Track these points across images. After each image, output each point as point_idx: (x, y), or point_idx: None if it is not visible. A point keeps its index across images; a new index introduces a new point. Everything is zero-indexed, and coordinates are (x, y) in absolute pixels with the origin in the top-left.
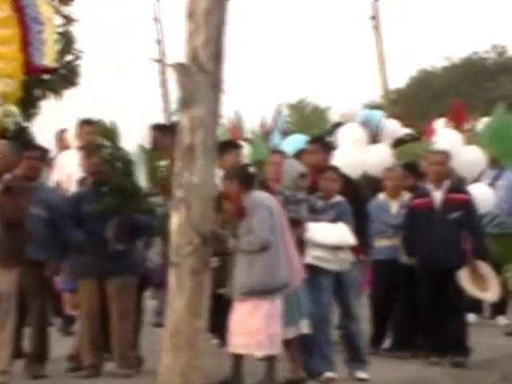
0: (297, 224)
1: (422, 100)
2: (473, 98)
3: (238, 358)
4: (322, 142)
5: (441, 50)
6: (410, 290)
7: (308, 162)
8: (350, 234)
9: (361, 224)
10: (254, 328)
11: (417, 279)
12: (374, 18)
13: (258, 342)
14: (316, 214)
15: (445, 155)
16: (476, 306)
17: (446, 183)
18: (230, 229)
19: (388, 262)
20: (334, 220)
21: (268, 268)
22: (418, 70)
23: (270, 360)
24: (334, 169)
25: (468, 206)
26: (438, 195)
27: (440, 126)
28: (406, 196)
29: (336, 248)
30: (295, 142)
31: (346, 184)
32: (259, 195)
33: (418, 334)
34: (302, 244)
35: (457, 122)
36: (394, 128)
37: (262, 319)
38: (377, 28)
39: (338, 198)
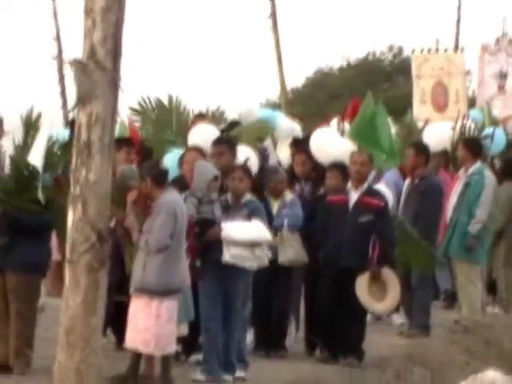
0: (212, 224)
1: (319, 100)
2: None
3: (135, 354)
4: (228, 142)
5: (338, 51)
6: (288, 291)
7: (216, 164)
8: (266, 230)
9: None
10: (142, 325)
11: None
12: (272, 16)
13: (143, 340)
14: (229, 213)
15: (367, 156)
16: None
17: (365, 185)
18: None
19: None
20: (248, 217)
21: (161, 270)
22: (315, 70)
23: (163, 359)
24: (241, 168)
25: (381, 211)
26: (354, 196)
27: (334, 124)
28: (289, 196)
29: (252, 245)
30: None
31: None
32: (170, 197)
33: (313, 333)
34: (219, 244)
35: (352, 119)
36: (292, 127)
37: (151, 318)
38: (275, 27)
39: (249, 197)
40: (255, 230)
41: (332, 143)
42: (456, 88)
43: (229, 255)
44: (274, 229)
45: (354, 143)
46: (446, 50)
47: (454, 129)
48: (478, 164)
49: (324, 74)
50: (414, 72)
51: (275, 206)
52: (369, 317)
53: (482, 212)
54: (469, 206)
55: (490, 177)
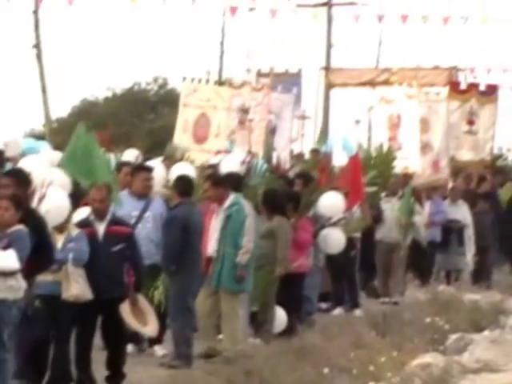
0: None
1: None
2: (136, 128)
3: None
4: (18, 174)
5: (104, 82)
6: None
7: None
8: (14, 259)
9: None
10: None
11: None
12: (36, 46)
13: None
14: None
15: (105, 190)
16: (134, 336)
17: (109, 215)
18: None
19: (49, 297)
20: (6, 247)
21: None
22: (80, 99)
23: None
24: (7, 197)
25: (129, 238)
26: (101, 227)
27: None
28: (74, 230)
29: (4, 275)
30: None
31: None
32: None
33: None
34: None
35: None
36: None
37: None
38: (39, 57)
39: (17, 227)
40: (2, 259)
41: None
42: (219, 122)
43: None
44: (59, 263)
45: (67, 172)
46: (215, 83)
47: (243, 162)
48: (232, 196)
49: (90, 104)
50: (181, 100)
51: (60, 241)
52: (130, 347)
53: (247, 241)
54: (234, 238)
55: (247, 206)
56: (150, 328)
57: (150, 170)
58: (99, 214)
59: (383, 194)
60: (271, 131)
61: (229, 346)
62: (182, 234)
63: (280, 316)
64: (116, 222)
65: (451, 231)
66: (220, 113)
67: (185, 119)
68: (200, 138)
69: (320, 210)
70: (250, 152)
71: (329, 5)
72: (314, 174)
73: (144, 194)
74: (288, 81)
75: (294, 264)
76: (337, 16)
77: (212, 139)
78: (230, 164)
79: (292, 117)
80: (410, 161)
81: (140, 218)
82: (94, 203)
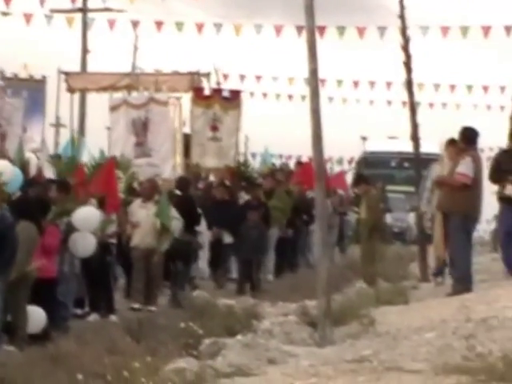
0: None
1: None
2: None
3: None
4: None
5: None
6: None
7: None
8: None
9: None
10: None
11: None
12: None
13: None
14: None
15: None
16: None
17: None
18: None
19: None
20: None
21: None
22: None
23: None
24: None
25: None
26: None
27: None
28: None
29: None
30: None
31: None
32: None
33: None
34: None
35: None
36: None
37: None
38: None
39: None
40: None
41: None
42: None
43: None
44: None
45: None
46: None
47: None
48: None
49: None
50: None
51: None
52: None
53: None
54: None
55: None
56: None
57: None
58: None
59: (139, 200)
60: (1, 137)
61: None
62: None
63: (37, 317)
64: None
65: None
66: None
67: None
68: None
69: (75, 223)
70: None
71: (84, 11)
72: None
73: None
74: (32, 87)
75: (39, 268)
76: (92, 22)
77: None
78: None
79: (21, 123)
80: (160, 168)
81: None
82: None
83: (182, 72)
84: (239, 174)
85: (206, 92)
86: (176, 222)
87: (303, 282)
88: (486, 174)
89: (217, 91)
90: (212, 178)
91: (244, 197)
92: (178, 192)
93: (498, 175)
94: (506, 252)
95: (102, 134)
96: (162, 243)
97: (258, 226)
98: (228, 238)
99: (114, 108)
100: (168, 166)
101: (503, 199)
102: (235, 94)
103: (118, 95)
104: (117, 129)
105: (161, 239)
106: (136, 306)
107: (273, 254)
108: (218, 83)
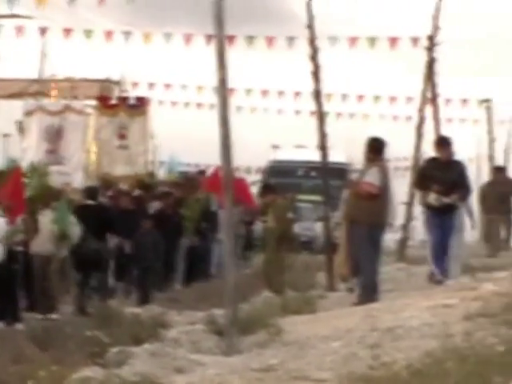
0: None
1: None
2: None
3: None
4: None
5: None
6: None
7: None
8: None
9: None
10: None
11: None
12: None
13: None
14: None
15: None
16: None
17: None
18: None
19: None
20: None
21: None
22: None
23: None
24: None
25: None
26: None
27: None
28: None
29: None
30: None
31: None
32: None
33: None
34: None
35: None
36: None
37: None
38: None
39: None
40: None
41: None
42: None
43: None
44: None
45: None
46: None
47: None
48: None
49: None
50: None
51: None
52: None
53: None
54: None
55: None
56: None
57: None
58: None
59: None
60: None
61: None
62: None
63: None
64: None
65: None
66: None
67: None
68: None
69: None
70: None
71: None
72: None
73: None
74: None
75: None
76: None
77: None
78: None
79: None
80: (71, 177)
81: None
82: None
83: (92, 79)
84: (146, 184)
85: (113, 101)
86: (75, 228)
87: (212, 291)
88: (393, 184)
89: (123, 99)
90: (122, 186)
91: (156, 206)
92: (89, 201)
93: (423, 183)
94: (437, 262)
95: None
96: (61, 249)
97: (151, 234)
98: (129, 248)
99: (28, 113)
100: (79, 175)
101: (428, 205)
102: (142, 101)
103: (31, 101)
104: (29, 135)
105: (59, 245)
106: (37, 315)
107: (182, 263)
108: (123, 91)
